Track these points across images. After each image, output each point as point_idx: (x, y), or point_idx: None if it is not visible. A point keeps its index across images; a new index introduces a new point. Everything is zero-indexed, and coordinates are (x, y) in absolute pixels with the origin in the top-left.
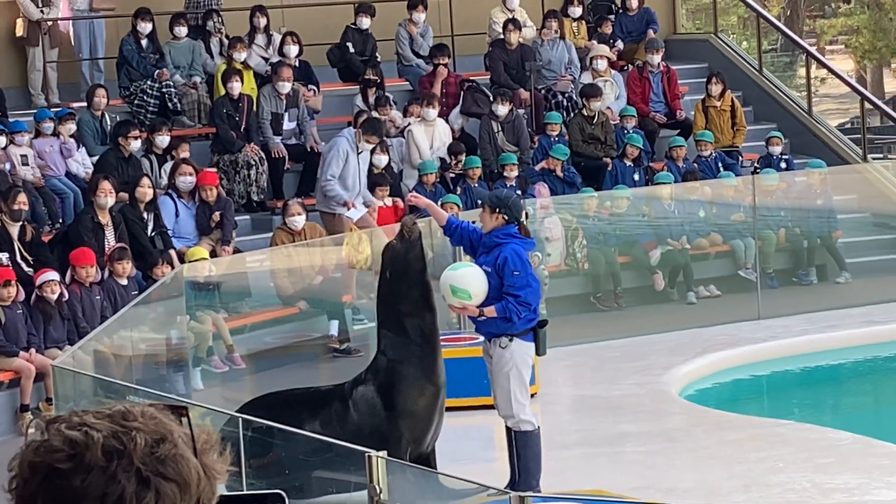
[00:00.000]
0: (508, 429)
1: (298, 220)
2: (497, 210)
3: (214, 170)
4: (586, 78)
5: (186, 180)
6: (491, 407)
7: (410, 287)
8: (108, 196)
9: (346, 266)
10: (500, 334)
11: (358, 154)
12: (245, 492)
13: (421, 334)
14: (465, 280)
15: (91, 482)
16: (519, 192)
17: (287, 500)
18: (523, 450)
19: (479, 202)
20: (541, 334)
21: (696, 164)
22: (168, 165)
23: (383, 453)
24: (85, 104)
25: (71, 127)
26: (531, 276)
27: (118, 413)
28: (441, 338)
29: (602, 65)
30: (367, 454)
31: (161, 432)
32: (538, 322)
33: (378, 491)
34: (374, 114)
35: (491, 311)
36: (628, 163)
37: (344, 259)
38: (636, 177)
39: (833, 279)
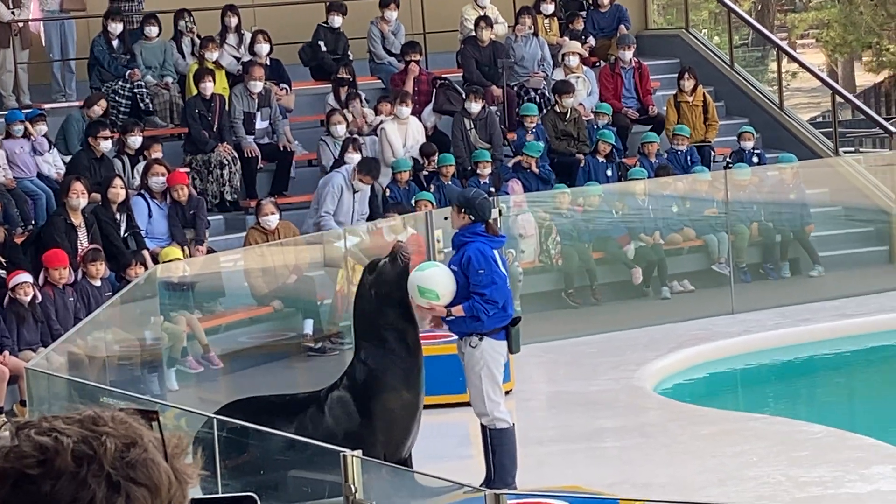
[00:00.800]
0: (483, 426)
1: (272, 220)
2: (463, 210)
3: (186, 170)
4: (558, 75)
5: (159, 181)
6: (466, 404)
7: (394, 307)
8: (80, 197)
9: (339, 296)
10: (471, 333)
11: (354, 192)
12: (218, 495)
13: (405, 347)
14: (432, 280)
15: (61, 488)
16: (492, 189)
17: (259, 503)
18: (498, 447)
19: (449, 201)
20: (513, 332)
21: (666, 157)
22: (140, 166)
23: (358, 452)
24: (78, 104)
25: (42, 128)
26: (496, 273)
27: (88, 418)
28: None
29: (574, 61)
30: (342, 453)
31: (131, 437)
32: (511, 320)
33: (353, 490)
34: (346, 111)
35: (458, 310)
36: (601, 159)
37: (337, 290)
38: (609, 173)
39: (806, 273)
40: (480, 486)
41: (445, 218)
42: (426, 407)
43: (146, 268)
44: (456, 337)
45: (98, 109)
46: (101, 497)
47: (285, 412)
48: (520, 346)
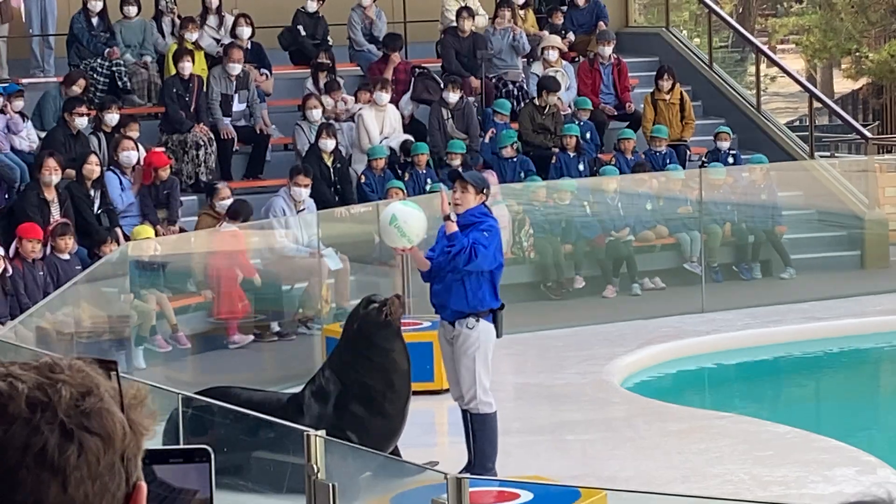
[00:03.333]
0: (465, 411)
1: (227, 204)
2: (482, 190)
3: (161, 149)
4: (537, 68)
5: (130, 155)
6: (431, 392)
7: (373, 344)
8: (52, 174)
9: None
10: (467, 314)
11: (297, 210)
12: (171, 446)
13: (381, 374)
14: (409, 225)
15: (14, 433)
16: None
17: (213, 456)
18: (479, 432)
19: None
20: (499, 317)
21: (644, 157)
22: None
23: (322, 432)
24: (56, 80)
25: (19, 103)
26: (498, 250)
27: (45, 365)
28: None
29: (553, 55)
30: (305, 433)
31: (87, 385)
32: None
33: (315, 470)
34: (326, 97)
35: (452, 226)
36: (573, 154)
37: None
38: (581, 167)
39: (777, 275)
40: (461, 471)
41: (448, 203)
42: None
43: (119, 245)
44: (423, 325)
45: (76, 89)
46: (54, 444)
47: (263, 411)
48: (502, 332)
